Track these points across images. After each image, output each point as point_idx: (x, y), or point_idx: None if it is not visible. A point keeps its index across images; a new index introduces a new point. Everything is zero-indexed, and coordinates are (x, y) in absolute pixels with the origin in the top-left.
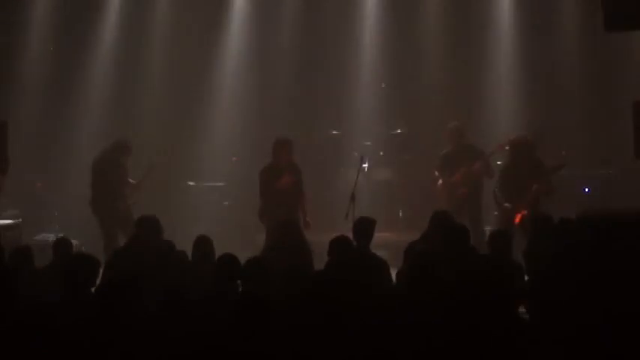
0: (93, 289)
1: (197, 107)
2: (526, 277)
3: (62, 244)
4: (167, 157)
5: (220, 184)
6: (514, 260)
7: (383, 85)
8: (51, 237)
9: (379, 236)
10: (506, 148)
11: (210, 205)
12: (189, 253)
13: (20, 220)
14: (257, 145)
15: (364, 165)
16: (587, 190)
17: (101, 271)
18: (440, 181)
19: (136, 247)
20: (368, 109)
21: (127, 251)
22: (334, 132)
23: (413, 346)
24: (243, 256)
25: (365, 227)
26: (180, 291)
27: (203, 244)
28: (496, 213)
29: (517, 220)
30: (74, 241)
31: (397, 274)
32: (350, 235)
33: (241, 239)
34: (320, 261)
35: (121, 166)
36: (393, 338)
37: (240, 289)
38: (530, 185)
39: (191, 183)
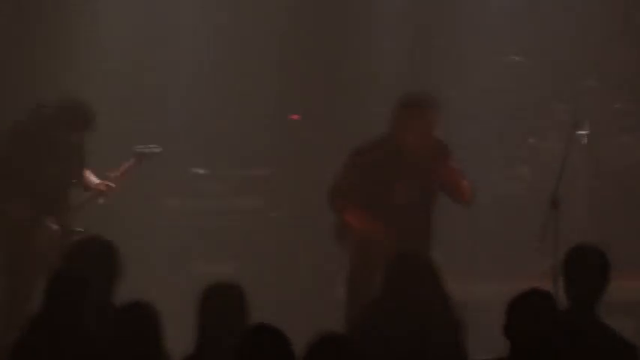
0: None
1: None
2: None
3: None
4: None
5: (261, 172)
6: None
7: None
8: None
9: (617, 287)
10: None
11: (242, 215)
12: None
13: None
14: (344, 95)
15: (581, 132)
16: None
17: None
18: None
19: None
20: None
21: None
22: (517, 59)
23: None
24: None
25: (588, 268)
26: None
27: (225, 304)
28: None
29: None
30: None
31: None
32: (552, 288)
33: (307, 287)
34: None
35: (71, 149)
36: None
37: None
38: None
39: (200, 171)
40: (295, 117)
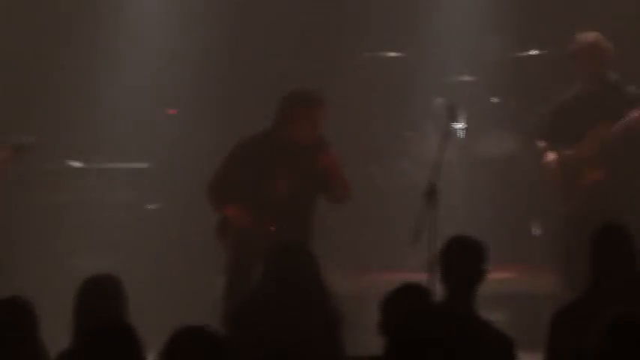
0: None
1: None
2: None
3: None
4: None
5: (140, 165)
6: None
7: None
8: None
9: (492, 279)
10: None
11: (118, 209)
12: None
13: None
14: (224, 88)
15: (457, 126)
16: None
17: None
18: (550, 156)
19: None
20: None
21: None
22: (393, 54)
23: None
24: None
25: (464, 262)
26: None
27: (101, 297)
28: None
29: None
30: None
31: None
32: (427, 281)
33: (185, 280)
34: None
35: None
36: None
37: None
38: None
39: (76, 164)
40: (173, 111)
